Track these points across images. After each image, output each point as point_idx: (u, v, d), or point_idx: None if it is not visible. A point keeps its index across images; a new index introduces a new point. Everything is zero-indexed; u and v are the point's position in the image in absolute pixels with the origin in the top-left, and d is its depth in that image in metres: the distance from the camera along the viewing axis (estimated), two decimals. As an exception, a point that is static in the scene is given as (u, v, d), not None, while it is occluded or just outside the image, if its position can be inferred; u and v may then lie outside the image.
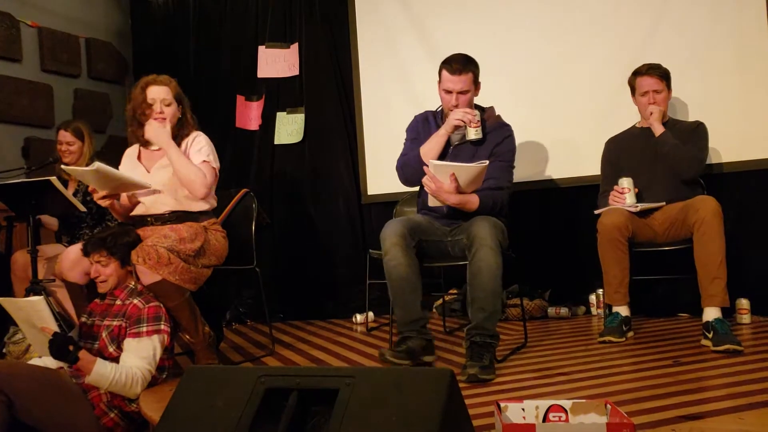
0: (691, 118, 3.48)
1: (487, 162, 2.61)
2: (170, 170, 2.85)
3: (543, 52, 4.00)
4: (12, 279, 3.63)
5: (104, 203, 2.79)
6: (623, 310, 3.03)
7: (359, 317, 4.13)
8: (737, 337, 2.69)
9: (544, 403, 1.74)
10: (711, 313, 2.76)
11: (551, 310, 3.84)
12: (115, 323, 2.49)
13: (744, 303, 3.25)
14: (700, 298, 2.83)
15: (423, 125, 2.97)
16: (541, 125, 3.97)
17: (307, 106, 4.71)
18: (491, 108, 2.96)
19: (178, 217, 2.84)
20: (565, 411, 1.73)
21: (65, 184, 3.66)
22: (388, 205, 4.01)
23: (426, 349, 2.61)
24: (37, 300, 2.33)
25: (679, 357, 2.60)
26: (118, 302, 2.54)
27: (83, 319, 2.62)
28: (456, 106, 2.80)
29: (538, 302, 3.86)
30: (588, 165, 3.74)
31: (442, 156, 2.83)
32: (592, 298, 3.84)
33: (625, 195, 3.10)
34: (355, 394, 1.37)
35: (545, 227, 4.04)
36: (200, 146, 2.91)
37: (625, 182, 3.13)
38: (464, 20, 4.19)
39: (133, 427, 2.45)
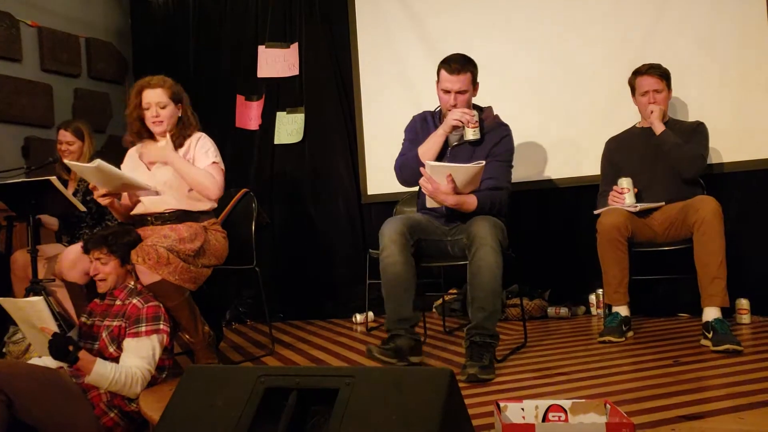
0: (691, 118, 3.48)
1: (484, 162, 2.60)
2: (171, 168, 2.85)
3: (543, 52, 4.00)
4: (12, 279, 3.63)
5: (104, 201, 2.79)
6: (623, 310, 3.03)
7: (359, 317, 4.13)
8: (737, 337, 2.69)
9: (544, 403, 1.74)
10: (711, 313, 2.76)
11: (551, 310, 3.84)
12: (115, 323, 2.49)
13: (744, 303, 3.26)
14: (699, 298, 2.83)
15: (421, 125, 2.97)
16: (541, 125, 3.97)
17: (307, 106, 4.71)
18: (489, 108, 2.95)
19: (178, 216, 2.84)
20: (565, 411, 1.73)
21: (65, 183, 3.66)
22: (388, 204, 4.01)
23: (413, 350, 2.59)
24: (37, 300, 2.33)
25: (679, 357, 2.60)
26: (118, 302, 2.55)
27: (83, 319, 2.62)
28: (454, 106, 2.79)
29: (537, 302, 3.86)
30: (588, 165, 3.75)
31: (441, 156, 2.83)
32: (592, 298, 3.84)
33: (624, 195, 3.10)
34: (355, 394, 1.37)
35: (545, 227, 4.04)
36: (206, 148, 2.92)
37: (625, 182, 3.13)
38: (464, 20, 4.19)
39: (133, 427, 2.45)
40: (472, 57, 2.86)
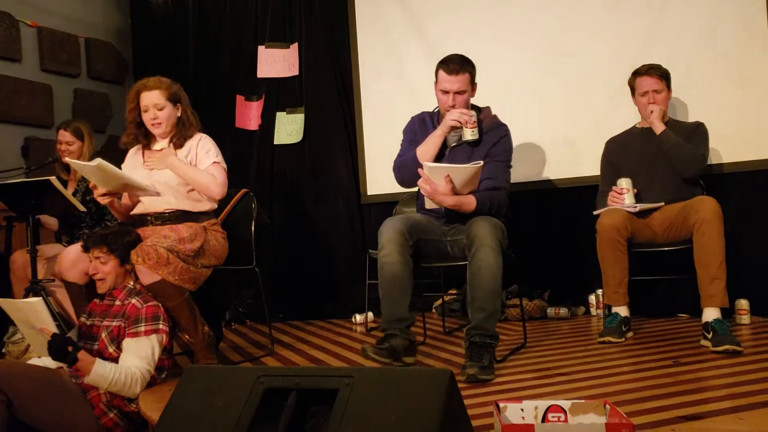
0: (691, 119, 3.48)
1: (482, 162, 2.60)
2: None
3: (543, 52, 3.99)
4: (11, 279, 3.63)
5: (104, 201, 2.79)
6: (622, 311, 3.03)
7: (359, 317, 4.13)
8: (737, 337, 2.69)
9: (543, 404, 1.74)
10: (710, 314, 2.76)
11: (551, 311, 3.84)
12: (114, 324, 2.49)
13: (743, 303, 3.25)
14: (699, 299, 2.83)
15: (420, 126, 2.97)
16: (541, 126, 3.97)
17: (307, 106, 4.71)
18: (487, 108, 2.95)
19: (178, 216, 2.85)
20: (564, 411, 1.73)
21: (64, 184, 3.66)
22: (387, 205, 4.01)
23: (408, 350, 2.58)
24: (36, 301, 2.33)
25: (679, 357, 2.59)
26: (117, 302, 2.54)
27: (83, 320, 2.62)
28: (453, 107, 2.79)
29: (537, 302, 3.86)
30: (588, 165, 3.75)
31: (439, 157, 2.82)
32: (592, 298, 3.84)
33: (623, 195, 3.10)
34: (355, 394, 1.37)
35: (545, 228, 4.04)
36: (207, 149, 2.93)
37: (624, 183, 3.13)
38: (464, 20, 4.19)
39: (133, 427, 2.45)
40: (473, 57, 2.86)
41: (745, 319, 3.25)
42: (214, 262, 2.85)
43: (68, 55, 4.87)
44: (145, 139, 2.97)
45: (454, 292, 4.06)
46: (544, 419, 1.72)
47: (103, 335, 2.48)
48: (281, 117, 4.77)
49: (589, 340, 3.09)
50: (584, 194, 3.69)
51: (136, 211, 2.91)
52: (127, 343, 2.43)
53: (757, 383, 2.14)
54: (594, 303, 3.83)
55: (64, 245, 3.62)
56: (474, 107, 2.91)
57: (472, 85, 2.84)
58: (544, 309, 3.85)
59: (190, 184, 2.85)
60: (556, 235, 3.99)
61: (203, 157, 2.90)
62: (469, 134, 2.76)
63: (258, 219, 3.26)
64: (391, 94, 4.41)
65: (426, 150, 2.80)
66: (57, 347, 2.24)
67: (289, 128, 4.74)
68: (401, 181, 2.92)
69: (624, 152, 3.32)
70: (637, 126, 3.38)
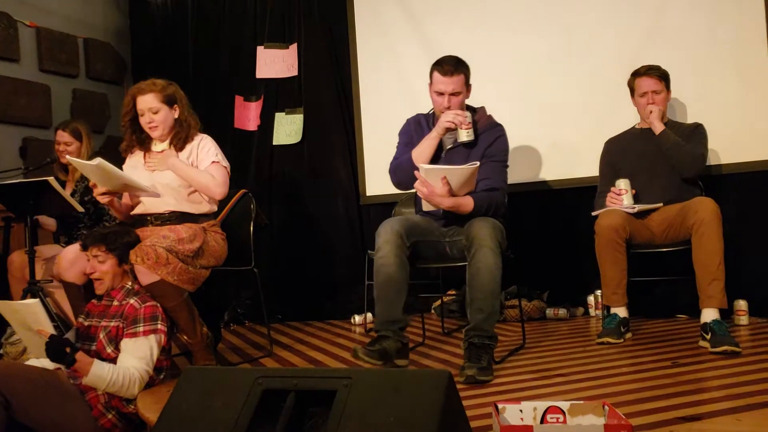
0: (690, 120, 3.48)
1: (478, 163, 2.60)
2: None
3: (542, 52, 3.99)
4: (9, 280, 3.62)
5: (104, 200, 2.79)
6: (621, 312, 3.03)
7: (358, 318, 4.13)
8: (735, 338, 2.69)
9: (542, 405, 1.74)
10: (709, 315, 2.76)
11: (549, 312, 3.84)
12: (112, 324, 2.49)
13: (742, 304, 3.26)
14: (698, 300, 2.83)
15: (415, 128, 2.96)
16: (540, 126, 3.97)
17: (306, 107, 4.71)
18: (482, 108, 2.94)
19: (177, 217, 2.85)
20: (563, 412, 1.73)
21: (63, 184, 3.65)
22: (386, 205, 4.01)
23: (400, 353, 2.57)
24: (33, 303, 2.33)
25: (677, 358, 2.60)
26: (115, 303, 2.54)
27: (81, 320, 2.61)
28: (448, 108, 2.78)
29: (536, 303, 3.86)
30: (587, 166, 3.74)
31: (436, 160, 2.82)
32: (591, 299, 3.84)
33: (622, 196, 3.10)
34: (353, 396, 1.36)
35: (544, 228, 4.04)
36: (207, 149, 2.93)
37: (622, 183, 3.13)
38: (463, 20, 4.19)
39: (131, 428, 2.44)
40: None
41: (744, 319, 3.25)
42: (213, 263, 2.85)
43: (67, 55, 4.87)
44: (143, 145, 2.97)
45: (453, 292, 4.06)
46: (542, 420, 1.72)
47: (101, 336, 2.48)
48: (280, 117, 4.77)
49: (588, 341, 3.09)
50: (583, 195, 3.68)
51: (137, 211, 2.92)
52: (126, 343, 2.43)
53: (755, 384, 2.14)
54: (593, 304, 3.83)
55: (62, 246, 3.61)
56: (468, 108, 2.89)
57: (467, 86, 2.83)
58: (543, 310, 3.85)
59: (191, 184, 2.85)
60: (555, 236, 3.99)
61: (204, 157, 2.91)
62: (465, 135, 2.75)
63: (257, 219, 3.26)
64: (390, 94, 4.41)
65: (421, 152, 2.79)
66: (55, 348, 2.24)
67: (288, 129, 4.74)
68: (397, 184, 2.91)
69: (623, 153, 3.32)
70: (637, 126, 3.38)
